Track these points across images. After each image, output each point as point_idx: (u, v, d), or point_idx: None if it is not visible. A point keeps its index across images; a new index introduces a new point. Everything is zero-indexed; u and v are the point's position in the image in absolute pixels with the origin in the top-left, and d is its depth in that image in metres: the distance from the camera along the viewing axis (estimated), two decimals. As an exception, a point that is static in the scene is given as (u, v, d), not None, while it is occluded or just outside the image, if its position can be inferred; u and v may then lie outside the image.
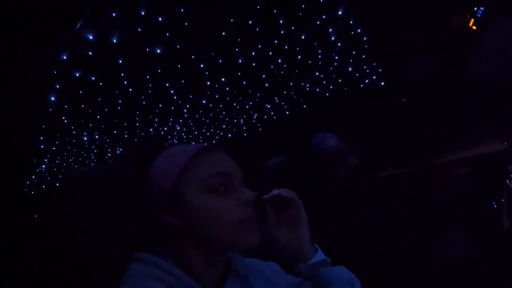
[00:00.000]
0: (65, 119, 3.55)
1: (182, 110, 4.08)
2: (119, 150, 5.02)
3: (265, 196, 0.91)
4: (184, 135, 5.13)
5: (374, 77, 4.53)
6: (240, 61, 3.30)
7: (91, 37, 2.43)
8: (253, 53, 3.24)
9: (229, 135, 5.63)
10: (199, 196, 0.81)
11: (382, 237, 1.73)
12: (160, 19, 2.49)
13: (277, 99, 4.70)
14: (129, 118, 3.89)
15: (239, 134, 5.63)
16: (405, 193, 2.68)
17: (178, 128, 4.79)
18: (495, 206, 2.30)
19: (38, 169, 4.87)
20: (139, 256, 0.83)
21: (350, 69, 4.45)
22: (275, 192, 0.91)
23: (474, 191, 2.48)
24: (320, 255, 0.91)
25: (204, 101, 3.97)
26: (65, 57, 2.50)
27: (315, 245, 0.94)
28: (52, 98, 2.92)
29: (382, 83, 4.52)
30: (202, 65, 3.15)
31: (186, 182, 0.82)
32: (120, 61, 2.77)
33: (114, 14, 2.30)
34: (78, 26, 2.04)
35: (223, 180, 0.83)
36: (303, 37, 3.30)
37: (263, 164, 1.79)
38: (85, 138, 4.26)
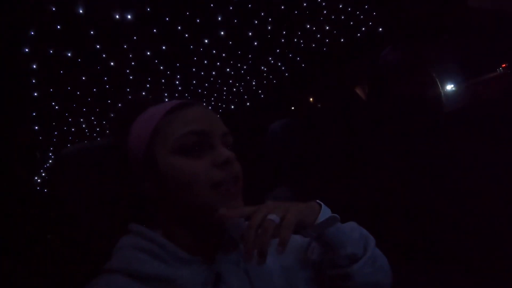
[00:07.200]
0: (55, 105, 3.52)
1: (173, 82, 3.99)
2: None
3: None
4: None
5: (370, 23, 4.32)
6: (219, 18, 3.16)
7: (53, 8, 2.36)
8: (230, 8, 3.09)
9: (232, 107, 5.52)
10: (170, 158, 0.74)
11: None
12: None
13: (271, 59, 4.54)
14: (121, 96, 3.83)
15: (242, 104, 5.50)
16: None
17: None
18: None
19: (46, 164, 4.91)
20: (130, 227, 0.79)
21: (342, 17, 4.26)
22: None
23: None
24: (325, 213, 0.77)
25: (194, 69, 3.86)
26: (32, 33, 2.44)
27: (318, 201, 0.81)
28: (33, 80, 2.89)
29: (380, 29, 4.32)
30: (179, 27, 3.03)
31: (158, 144, 0.76)
32: (92, 32, 2.69)
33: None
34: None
35: (197, 139, 0.75)
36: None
37: (266, 129, 1.84)
38: (83, 125, 4.25)
